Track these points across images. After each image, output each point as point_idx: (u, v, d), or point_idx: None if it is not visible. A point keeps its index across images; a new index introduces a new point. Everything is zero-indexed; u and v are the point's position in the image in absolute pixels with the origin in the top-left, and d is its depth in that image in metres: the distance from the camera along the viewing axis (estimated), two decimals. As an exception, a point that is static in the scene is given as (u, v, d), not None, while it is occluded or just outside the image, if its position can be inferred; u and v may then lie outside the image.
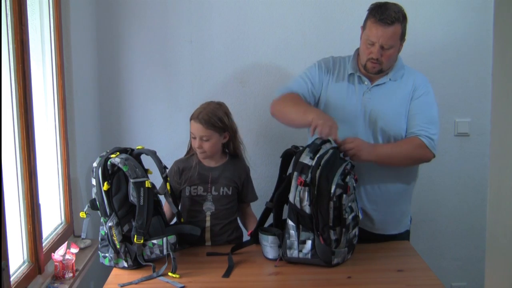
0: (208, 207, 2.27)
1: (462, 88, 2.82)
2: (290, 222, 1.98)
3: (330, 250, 1.96)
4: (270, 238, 2.04)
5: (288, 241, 1.98)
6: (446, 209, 2.93)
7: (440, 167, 2.78)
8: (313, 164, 1.94)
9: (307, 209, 1.94)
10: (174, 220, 2.25)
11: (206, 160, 2.30)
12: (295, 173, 1.95)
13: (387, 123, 2.20)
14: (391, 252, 2.15)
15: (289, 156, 2.12)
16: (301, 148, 2.03)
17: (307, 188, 1.93)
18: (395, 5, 2.13)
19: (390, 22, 2.08)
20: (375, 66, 2.17)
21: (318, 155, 1.95)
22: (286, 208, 2.05)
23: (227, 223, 2.30)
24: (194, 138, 2.23)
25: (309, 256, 1.98)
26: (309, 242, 1.97)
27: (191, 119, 2.23)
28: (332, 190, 1.93)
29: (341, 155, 2.06)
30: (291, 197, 1.96)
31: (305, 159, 1.96)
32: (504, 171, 1.23)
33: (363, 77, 2.24)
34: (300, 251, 1.98)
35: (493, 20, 1.25)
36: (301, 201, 1.94)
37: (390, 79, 2.23)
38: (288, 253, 1.99)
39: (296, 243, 1.97)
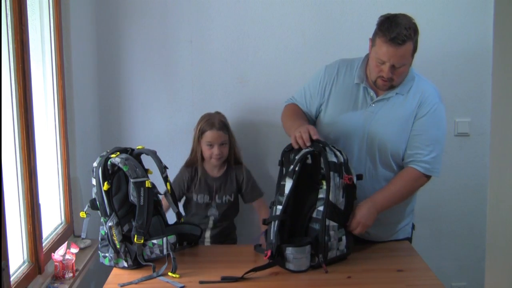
0: (213, 213, 2.50)
1: (462, 88, 2.82)
2: (332, 223, 1.94)
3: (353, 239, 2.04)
4: (307, 248, 1.94)
5: (329, 243, 1.94)
6: (446, 209, 2.93)
7: (440, 167, 2.78)
8: (342, 160, 1.97)
9: (342, 205, 1.97)
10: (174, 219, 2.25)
11: (210, 170, 2.49)
12: (332, 173, 1.93)
13: (386, 140, 2.12)
14: (391, 252, 2.15)
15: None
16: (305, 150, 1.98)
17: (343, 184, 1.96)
18: (405, 17, 2.00)
19: (402, 41, 1.95)
20: (386, 84, 2.07)
21: (338, 149, 1.99)
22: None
23: (227, 225, 2.54)
24: (211, 146, 2.42)
25: (345, 250, 2.00)
26: (344, 238, 1.98)
27: (207, 130, 2.41)
28: (355, 181, 1.99)
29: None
30: (331, 197, 1.94)
31: (332, 157, 1.95)
32: (504, 171, 1.24)
33: (369, 88, 2.14)
34: (337, 249, 1.98)
35: (493, 20, 1.25)
36: (338, 199, 1.96)
37: (396, 93, 2.12)
38: (329, 254, 1.96)
39: (335, 242, 1.96)
